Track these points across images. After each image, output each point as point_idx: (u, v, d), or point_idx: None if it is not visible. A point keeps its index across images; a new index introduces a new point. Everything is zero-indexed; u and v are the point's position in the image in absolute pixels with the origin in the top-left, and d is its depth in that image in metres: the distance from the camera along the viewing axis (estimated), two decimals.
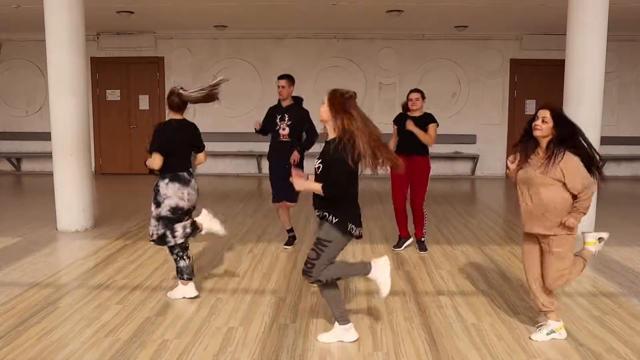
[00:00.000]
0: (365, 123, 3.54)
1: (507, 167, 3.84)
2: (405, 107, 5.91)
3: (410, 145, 5.71)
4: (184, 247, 4.42)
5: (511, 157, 3.81)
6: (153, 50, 11.67)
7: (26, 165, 12.19)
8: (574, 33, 6.44)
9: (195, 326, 3.90)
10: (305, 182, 3.63)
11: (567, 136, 3.57)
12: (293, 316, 4.10)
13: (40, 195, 9.03)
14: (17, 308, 4.19)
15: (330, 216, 3.53)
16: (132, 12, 9.21)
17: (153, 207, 4.31)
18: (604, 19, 6.34)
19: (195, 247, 5.68)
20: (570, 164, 3.51)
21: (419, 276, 5.07)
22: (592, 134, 6.45)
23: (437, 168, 11.93)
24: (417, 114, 5.80)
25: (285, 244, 6.12)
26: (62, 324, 3.91)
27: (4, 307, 4.21)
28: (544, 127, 3.56)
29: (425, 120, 5.76)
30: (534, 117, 3.64)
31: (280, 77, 5.89)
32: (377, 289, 3.71)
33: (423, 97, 5.79)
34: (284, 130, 5.84)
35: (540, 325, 3.80)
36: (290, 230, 6.17)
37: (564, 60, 6.64)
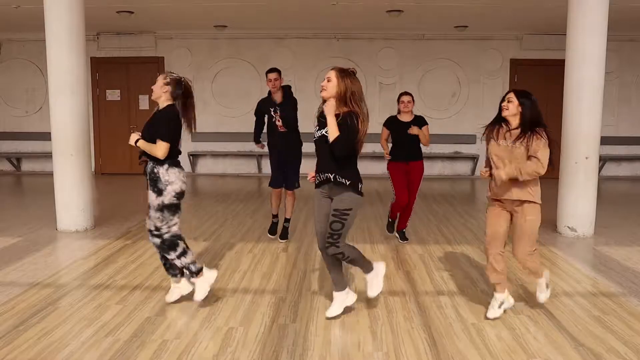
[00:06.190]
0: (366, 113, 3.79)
1: (481, 174, 4.07)
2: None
3: (408, 152, 5.98)
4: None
5: (483, 171, 4.06)
6: (153, 50, 11.67)
7: (26, 165, 12.19)
8: (574, 33, 6.44)
9: (195, 326, 3.90)
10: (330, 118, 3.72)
11: (535, 116, 3.83)
12: (293, 316, 4.10)
13: (40, 195, 9.03)
14: (17, 308, 4.19)
15: (343, 179, 3.77)
16: (132, 12, 9.21)
17: (153, 197, 4.07)
18: (604, 19, 6.34)
19: (195, 247, 5.69)
20: (543, 140, 3.78)
21: (419, 276, 5.07)
22: (592, 133, 6.48)
23: (437, 168, 12.01)
24: (407, 117, 6.01)
25: (270, 232, 6.36)
26: (62, 324, 3.91)
27: (4, 307, 4.21)
28: (510, 106, 3.88)
29: (419, 123, 5.97)
30: (502, 101, 3.96)
31: (271, 71, 6.01)
32: (367, 287, 4.12)
33: (413, 100, 6.02)
34: (279, 122, 6.01)
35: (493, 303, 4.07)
36: (276, 217, 6.33)
37: (564, 60, 6.64)
